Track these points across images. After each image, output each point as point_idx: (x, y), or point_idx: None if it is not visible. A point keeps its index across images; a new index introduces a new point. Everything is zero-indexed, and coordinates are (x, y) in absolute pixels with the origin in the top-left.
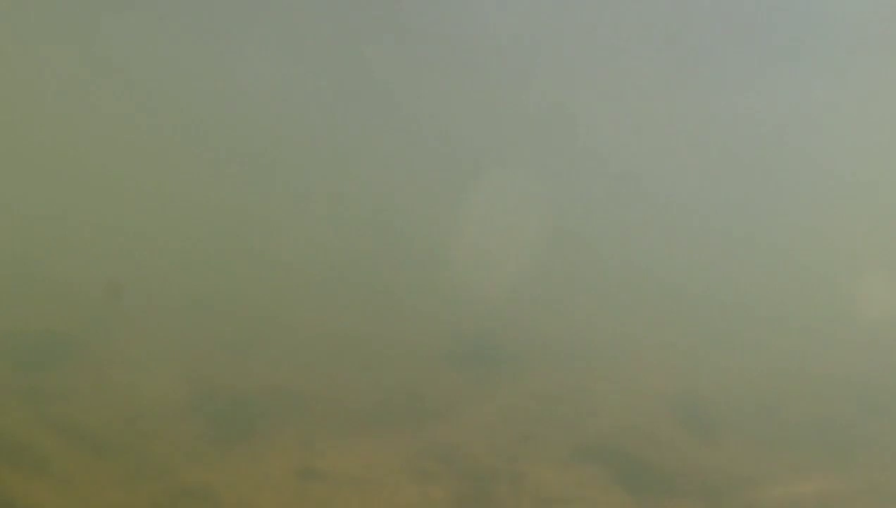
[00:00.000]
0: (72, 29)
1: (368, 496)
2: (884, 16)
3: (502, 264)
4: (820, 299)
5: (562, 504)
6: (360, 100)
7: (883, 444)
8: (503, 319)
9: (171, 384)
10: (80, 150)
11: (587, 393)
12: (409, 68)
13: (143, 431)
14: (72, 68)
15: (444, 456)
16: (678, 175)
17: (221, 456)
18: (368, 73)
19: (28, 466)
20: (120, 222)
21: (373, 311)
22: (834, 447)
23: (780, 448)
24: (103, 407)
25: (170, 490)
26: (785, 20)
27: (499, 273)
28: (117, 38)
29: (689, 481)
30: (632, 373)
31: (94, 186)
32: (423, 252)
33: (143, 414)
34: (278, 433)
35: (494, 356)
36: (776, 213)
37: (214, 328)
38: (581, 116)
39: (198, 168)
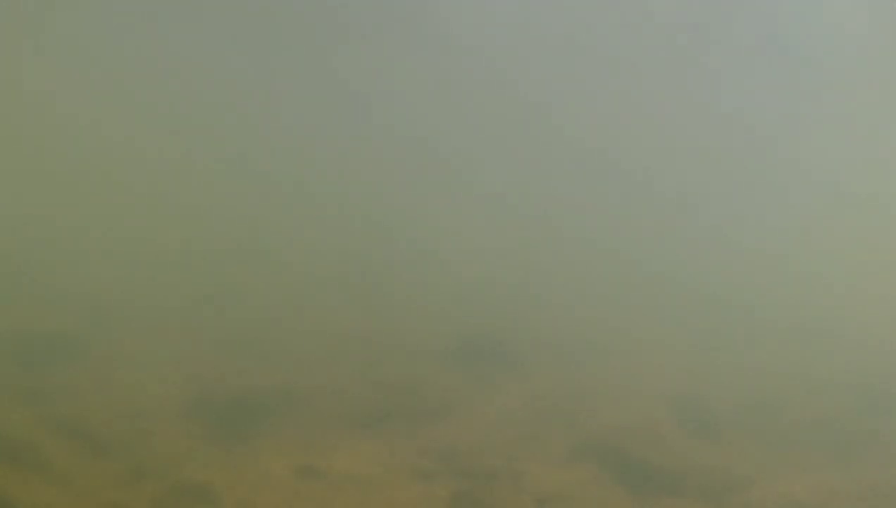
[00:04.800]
0: (71, 27)
1: (368, 495)
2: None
3: (501, 262)
4: (820, 299)
5: (562, 503)
6: (353, 99)
7: (884, 444)
8: (503, 318)
9: (171, 383)
10: (81, 150)
11: (587, 392)
12: (399, 69)
13: (143, 430)
14: (74, 67)
15: (444, 456)
16: (678, 176)
17: (221, 456)
18: (362, 72)
19: (28, 466)
20: (119, 221)
21: (372, 309)
22: (835, 446)
23: (780, 447)
24: (103, 407)
25: (170, 489)
26: (772, 17)
27: (498, 272)
28: (115, 36)
29: (690, 480)
30: (632, 372)
31: (93, 186)
32: (422, 251)
33: (144, 414)
34: (278, 432)
35: (494, 355)
36: (777, 211)
37: (214, 327)
38: (573, 116)
39: (196, 167)
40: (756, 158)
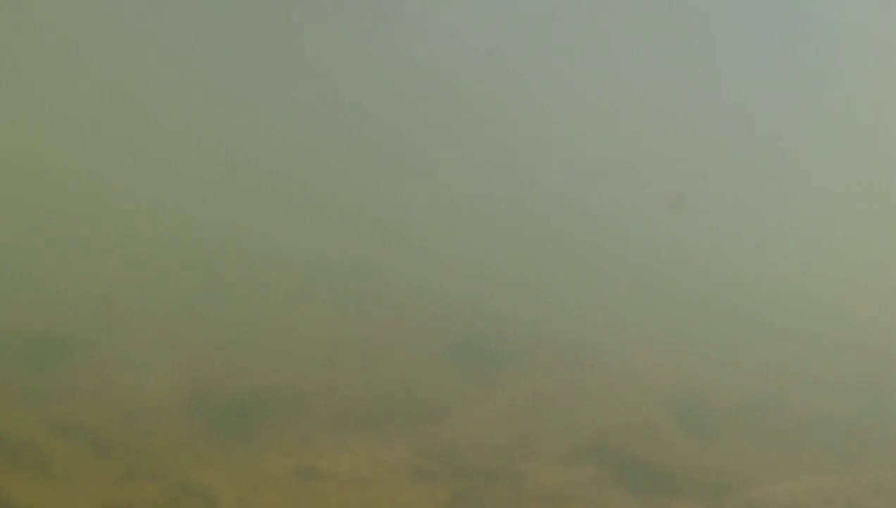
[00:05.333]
0: (70, 29)
1: (368, 495)
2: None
3: (501, 262)
4: (820, 299)
5: (561, 503)
6: (350, 102)
7: (883, 444)
8: (503, 318)
9: (171, 384)
10: (80, 151)
11: (587, 393)
12: (396, 69)
13: (143, 430)
14: (73, 69)
15: (444, 456)
16: (677, 173)
17: (221, 456)
18: (359, 74)
19: (28, 466)
20: (119, 222)
21: (372, 310)
22: (834, 446)
23: (780, 447)
24: (103, 407)
25: (170, 489)
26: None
27: (498, 272)
28: (114, 38)
29: (689, 480)
30: (631, 372)
31: (93, 187)
32: (422, 252)
33: (144, 414)
34: (278, 433)
35: (494, 355)
36: (776, 211)
37: (214, 328)
38: (571, 114)
39: (195, 169)
40: (756, 161)
